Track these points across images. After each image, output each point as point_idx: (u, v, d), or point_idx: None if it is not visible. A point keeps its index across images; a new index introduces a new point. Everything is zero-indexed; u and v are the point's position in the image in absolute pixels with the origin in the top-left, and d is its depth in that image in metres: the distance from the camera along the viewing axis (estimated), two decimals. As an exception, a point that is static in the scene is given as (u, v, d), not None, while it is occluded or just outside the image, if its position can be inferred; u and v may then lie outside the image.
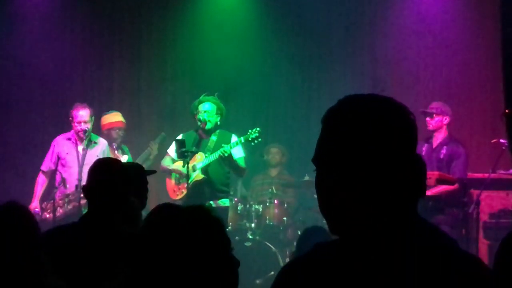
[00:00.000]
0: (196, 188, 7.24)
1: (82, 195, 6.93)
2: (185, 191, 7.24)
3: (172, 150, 7.52)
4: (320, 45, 9.61)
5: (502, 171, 7.42)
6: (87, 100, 8.19)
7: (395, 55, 9.34)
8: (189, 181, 7.18)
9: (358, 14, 9.43)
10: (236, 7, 9.63)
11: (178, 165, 7.36)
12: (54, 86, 9.43)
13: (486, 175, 7.08)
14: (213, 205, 7.19)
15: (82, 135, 7.60)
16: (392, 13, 9.31)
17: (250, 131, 7.20)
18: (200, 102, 7.37)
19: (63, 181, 7.43)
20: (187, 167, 7.10)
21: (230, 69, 9.28)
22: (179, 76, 9.69)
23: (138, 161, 8.16)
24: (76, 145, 7.66)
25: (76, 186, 7.30)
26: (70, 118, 7.68)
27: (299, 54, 9.63)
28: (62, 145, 7.68)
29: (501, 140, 7.12)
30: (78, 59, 9.60)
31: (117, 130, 8.26)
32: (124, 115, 8.47)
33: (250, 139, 7.12)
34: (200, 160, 7.28)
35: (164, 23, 9.78)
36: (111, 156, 7.78)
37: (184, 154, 7.14)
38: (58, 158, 7.61)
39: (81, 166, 7.50)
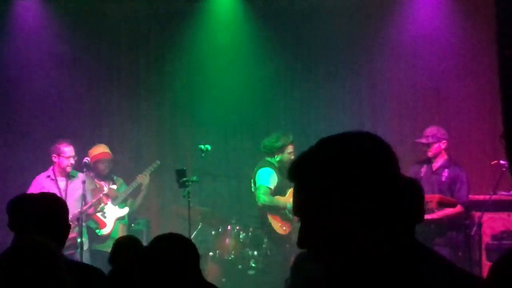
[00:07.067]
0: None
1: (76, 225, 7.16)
2: (291, 226, 7.62)
3: (268, 181, 7.63)
4: (317, 64, 9.58)
5: (503, 193, 7.41)
6: (84, 128, 8.23)
7: (393, 74, 9.34)
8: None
9: (356, 30, 9.40)
10: (235, 33, 9.58)
11: (281, 199, 7.62)
12: (51, 114, 9.41)
13: (487, 197, 7.08)
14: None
15: (69, 170, 7.72)
16: (389, 32, 9.28)
17: None
18: (292, 142, 7.71)
19: None
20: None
21: (229, 98, 9.31)
22: (179, 104, 9.66)
23: (127, 191, 8.33)
24: (56, 181, 7.69)
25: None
26: (56, 154, 7.74)
27: (297, 75, 9.62)
28: (42, 184, 7.67)
29: (501, 162, 7.12)
30: (76, 85, 9.55)
31: (104, 162, 8.28)
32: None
33: None
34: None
35: (163, 51, 9.77)
36: (94, 187, 7.96)
37: (185, 184, 7.15)
38: None
39: (64, 200, 7.52)
